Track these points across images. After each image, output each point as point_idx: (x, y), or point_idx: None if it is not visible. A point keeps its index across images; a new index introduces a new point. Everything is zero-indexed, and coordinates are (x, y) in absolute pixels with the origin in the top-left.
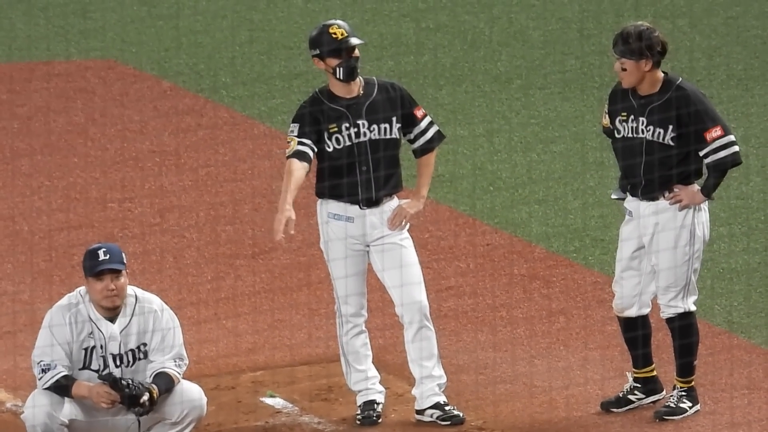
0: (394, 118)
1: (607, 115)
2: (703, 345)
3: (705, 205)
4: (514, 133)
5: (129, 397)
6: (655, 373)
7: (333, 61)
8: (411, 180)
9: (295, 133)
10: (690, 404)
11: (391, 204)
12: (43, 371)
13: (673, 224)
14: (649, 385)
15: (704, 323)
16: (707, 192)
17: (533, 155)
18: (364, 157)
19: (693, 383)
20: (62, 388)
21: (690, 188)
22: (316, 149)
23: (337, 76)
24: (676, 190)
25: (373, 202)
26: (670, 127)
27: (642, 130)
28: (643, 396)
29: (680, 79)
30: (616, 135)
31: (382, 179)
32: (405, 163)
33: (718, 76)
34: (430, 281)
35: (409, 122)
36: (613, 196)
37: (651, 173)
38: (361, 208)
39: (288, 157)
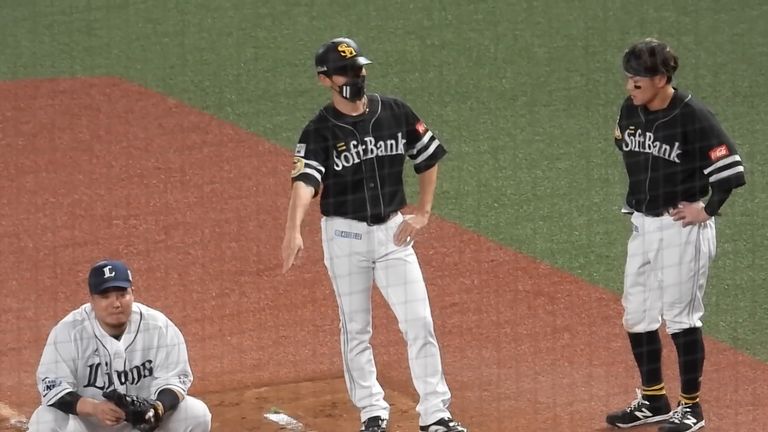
0: (399, 134)
1: (618, 128)
2: (708, 361)
3: (712, 222)
4: (519, 149)
5: (134, 414)
6: (664, 392)
7: (340, 80)
8: (413, 197)
9: (302, 154)
10: (694, 420)
11: (396, 220)
12: (48, 388)
13: (678, 240)
14: (657, 404)
15: (709, 339)
16: (711, 210)
17: (538, 172)
18: (370, 174)
19: (698, 399)
20: (67, 404)
21: (694, 205)
22: (323, 170)
23: (344, 95)
24: (680, 206)
25: (380, 219)
26: (676, 144)
27: (648, 146)
28: (650, 414)
29: (689, 96)
30: (624, 148)
31: (388, 195)
32: (407, 180)
33: (724, 93)
34: (434, 297)
35: (411, 138)
36: (624, 211)
37: (655, 189)
38: (368, 224)
39: (294, 179)
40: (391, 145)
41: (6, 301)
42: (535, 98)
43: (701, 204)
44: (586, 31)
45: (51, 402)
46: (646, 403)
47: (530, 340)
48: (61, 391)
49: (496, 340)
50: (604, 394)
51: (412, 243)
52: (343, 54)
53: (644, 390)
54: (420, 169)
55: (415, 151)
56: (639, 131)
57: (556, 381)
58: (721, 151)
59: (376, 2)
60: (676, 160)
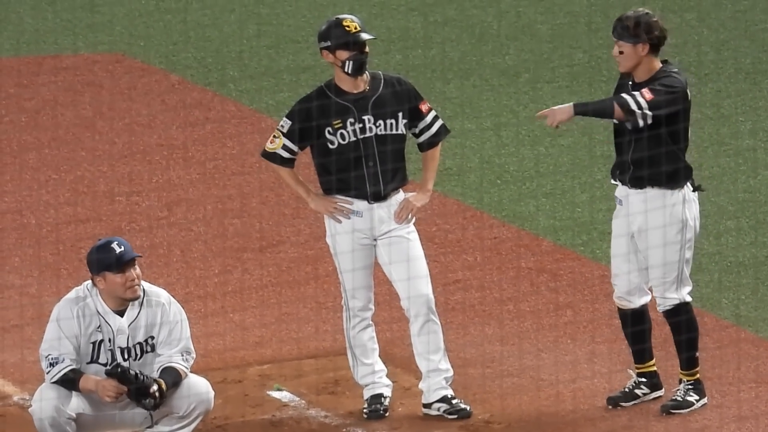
0: (400, 114)
1: None
2: (711, 338)
3: (695, 196)
4: (521, 126)
5: (137, 389)
6: (655, 368)
7: (343, 54)
8: (416, 174)
9: (284, 130)
10: (697, 397)
11: (398, 197)
12: (51, 365)
13: (661, 214)
14: (654, 380)
15: (711, 317)
16: (582, 106)
17: (541, 149)
18: (371, 152)
19: (698, 376)
20: (70, 381)
21: (562, 106)
22: (298, 151)
23: (346, 70)
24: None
25: (380, 196)
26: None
27: None
28: (648, 391)
29: (675, 69)
30: (616, 123)
31: (389, 173)
32: (410, 156)
33: (726, 70)
34: (437, 275)
35: (414, 116)
36: (613, 181)
37: (633, 154)
38: (369, 202)
39: (269, 158)
40: (391, 124)
41: (9, 277)
42: (538, 75)
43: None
44: (588, 8)
45: (54, 379)
46: (644, 380)
47: (533, 317)
48: (64, 368)
49: (499, 317)
50: (606, 371)
51: (413, 220)
52: (347, 29)
53: (638, 368)
54: (423, 147)
55: (417, 130)
56: None
57: (558, 358)
58: (646, 93)
59: None
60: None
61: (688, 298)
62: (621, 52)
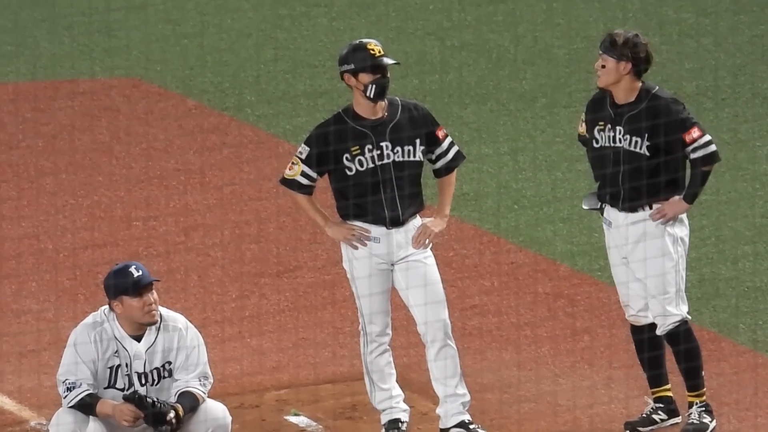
0: (417, 140)
1: (583, 123)
2: (728, 363)
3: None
4: (538, 151)
5: (154, 415)
6: (671, 393)
7: (366, 78)
8: (433, 199)
9: (303, 157)
10: (709, 419)
11: (415, 223)
12: (69, 389)
13: (653, 232)
14: (670, 406)
15: (729, 342)
16: (689, 199)
17: (558, 173)
18: (388, 178)
19: (705, 397)
20: (87, 406)
21: (672, 200)
22: (317, 177)
23: (368, 94)
24: (656, 206)
25: (398, 222)
26: (646, 135)
27: (619, 139)
28: (666, 417)
29: (656, 87)
30: (594, 144)
31: (406, 199)
32: (427, 182)
33: (743, 95)
34: (454, 300)
35: (431, 142)
36: (585, 207)
37: (631, 182)
38: (386, 227)
39: (287, 185)
40: (409, 150)
41: (26, 302)
42: (555, 100)
43: (678, 197)
44: (605, 33)
45: (71, 403)
46: (661, 405)
47: (550, 343)
48: (81, 393)
49: (516, 342)
50: (623, 396)
51: (430, 246)
52: (372, 52)
53: (654, 392)
54: (439, 173)
55: (434, 156)
56: (609, 126)
57: (575, 383)
58: (694, 133)
59: (395, 3)
60: (646, 153)
61: (688, 317)
62: (603, 66)
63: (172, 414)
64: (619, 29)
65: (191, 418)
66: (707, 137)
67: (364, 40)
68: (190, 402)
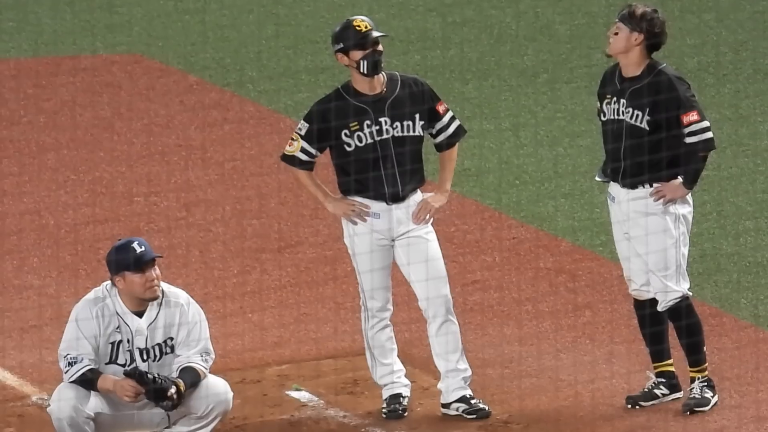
0: (417, 115)
1: (598, 99)
2: (729, 339)
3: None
4: (540, 127)
5: (155, 391)
6: (673, 368)
7: (357, 54)
8: (434, 174)
9: (302, 133)
10: (711, 393)
11: (416, 198)
12: (70, 364)
13: (654, 209)
14: (672, 380)
15: (730, 317)
16: (689, 182)
17: (559, 149)
18: (388, 154)
19: (707, 372)
20: (88, 381)
21: (672, 183)
22: (318, 153)
23: (361, 70)
24: (656, 185)
25: (399, 198)
26: (647, 110)
27: (622, 112)
28: (668, 392)
29: (664, 64)
30: (602, 117)
31: (407, 174)
32: (428, 157)
33: (745, 71)
34: (455, 275)
35: (431, 117)
36: (598, 178)
37: (631, 158)
38: (387, 203)
39: (288, 161)
40: (408, 125)
41: (27, 278)
42: (557, 75)
43: (679, 179)
44: (607, 8)
45: (72, 378)
46: (663, 380)
47: (551, 318)
48: (82, 368)
49: (518, 317)
50: (625, 371)
51: (431, 221)
52: (358, 28)
53: (656, 366)
54: (440, 148)
55: (434, 131)
56: (614, 99)
57: (577, 358)
58: (693, 116)
59: None
60: (647, 128)
61: (689, 293)
62: (616, 33)
63: (173, 389)
64: (641, 2)
65: (193, 393)
66: (705, 123)
67: (351, 18)
68: (191, 377)
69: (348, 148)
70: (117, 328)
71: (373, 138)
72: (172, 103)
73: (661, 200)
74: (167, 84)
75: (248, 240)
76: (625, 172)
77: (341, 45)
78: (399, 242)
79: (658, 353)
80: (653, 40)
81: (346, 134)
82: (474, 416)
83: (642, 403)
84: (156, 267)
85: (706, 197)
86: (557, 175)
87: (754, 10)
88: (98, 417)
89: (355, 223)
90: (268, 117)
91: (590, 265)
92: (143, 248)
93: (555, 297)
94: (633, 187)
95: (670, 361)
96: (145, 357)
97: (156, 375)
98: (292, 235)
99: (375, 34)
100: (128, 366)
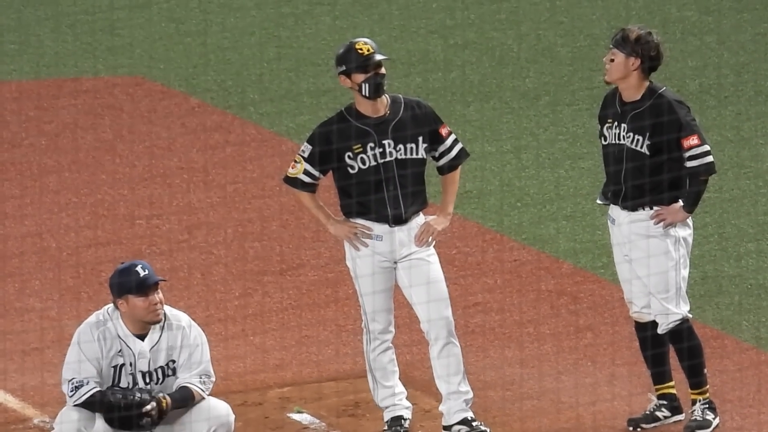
0: (420, 138)
1: (598, 122)
2: (731, 361)
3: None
4: (541, 149)
5: (125, 407)
6: (675, 391)
7: (359, 77)
8: (436, 196)
9: (305, 155)
10: (713, 416)
11: (418, 221)
12: (76, 388)
13: (654, 232)
14: (674, 403)
15: (732, 339)
16: (689, 206)
17: (561, 171)
18: (391, 176)
19: (708, 394)
20: (94, 404)
21: (672, 206)
22: (320, 176)
23: (363, 93)
24: (656, 208)
25: (401, 220)
26: (647, 134)
27: (623, 137)
28: (669, 414)
29: (664, 88)
30: (603, 141)
31: (410, 196)
32: (430, 180)
33: (746, 93)
34: (457, 297)
35: (434, 140)
36: (599, 201)
37: (630, 181)
38: (389, 225)
39: (290, 183)
40: (411, 148)
41: (29, 300)
42: (558, 98)
43: (679, 203)
44: (609, 31)
45: (79, 401)
46: (665, 402)
47: (553, 340)
48: (89, 390)
49: (519, 339)
50: (626, 393)
51: (433, 243)
52: (360, 51)
53: (657, 389)
54: (443, 170)
55: (437, 154)
56: (615, 123)
57: (578, 380)
58: (693, 140)
59: (398, 1)
60: (647, 152)
61: (690, 315)
62: (612, 60)
63: (150, 406)
64: (633, 25)
65: (194, 416)
66: (706, 147)
67: (354, 41)
68: (181, 394)
69: (351, 171)
70: (119, 352)
71: (376, 160)
72: (173, 125)
73: (661, 224)
74: (169, 106)
75: (250, 262)
76: (626, 194)
77: (344, 67)
78: (401, 264)
79: (660, 375)
80: (650, 63)
81: (349, 156)
82: None
83: (643, 426)
84: (159, 291)
85: (708, 219)
86: (559, 197)
87: (755, 32)
88: None
89: (357, 249)
90: (269, 139)
91: (592, 288)
92: (147, 272)
93: (556, 319)
94: (634, 209)
95: (671, 384)
96: (147, 380)
97: (130, 394)
98: (293, 257)
99: (377, 57)
100: (131, 389)
